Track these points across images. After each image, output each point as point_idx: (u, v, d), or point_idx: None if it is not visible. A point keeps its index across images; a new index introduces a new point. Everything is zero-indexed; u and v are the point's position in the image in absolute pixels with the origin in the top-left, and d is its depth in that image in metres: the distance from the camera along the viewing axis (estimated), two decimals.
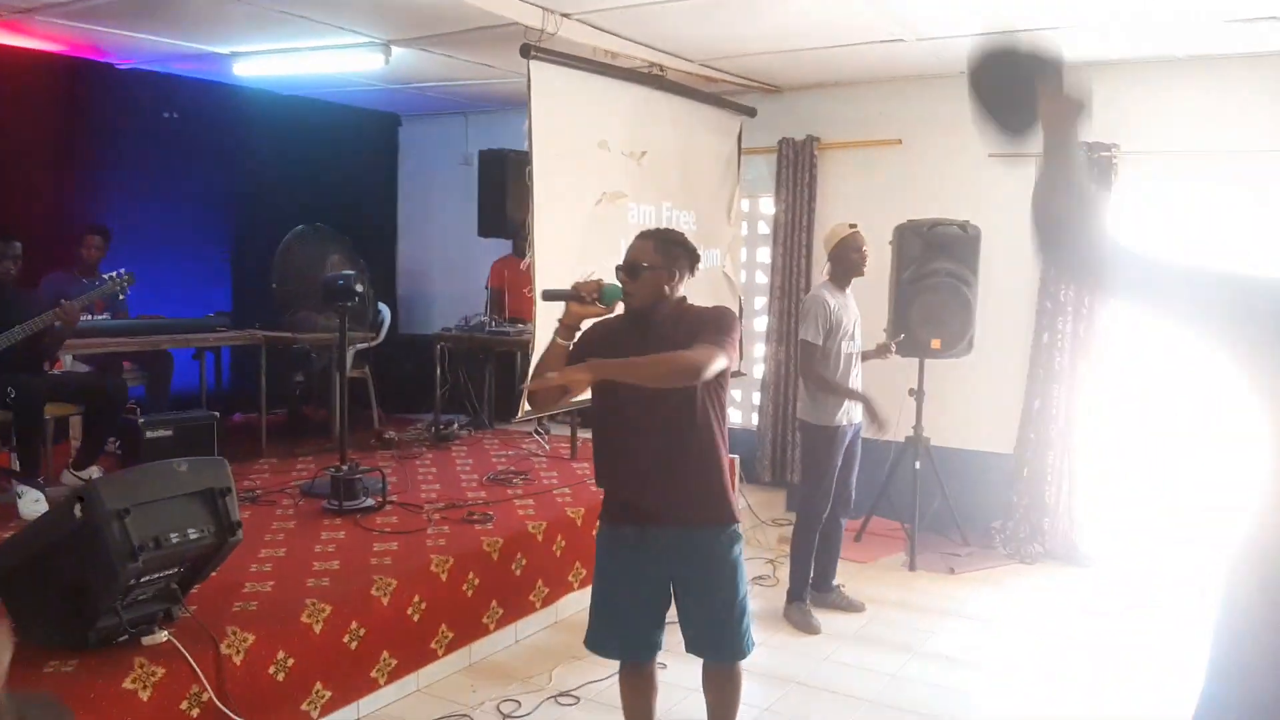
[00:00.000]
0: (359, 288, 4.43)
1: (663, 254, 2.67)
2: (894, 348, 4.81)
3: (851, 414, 4.35)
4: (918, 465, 5.28)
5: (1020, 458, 5.59)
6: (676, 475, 2.61)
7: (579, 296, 2.63)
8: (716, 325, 2.58)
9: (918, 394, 5.30)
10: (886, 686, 3.72)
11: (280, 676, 3.03)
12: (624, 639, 2.76)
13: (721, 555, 2.66)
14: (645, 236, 2.73)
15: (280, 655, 3.03)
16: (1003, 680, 3.82)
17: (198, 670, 2.77)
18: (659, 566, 2.68)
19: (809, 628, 4.27)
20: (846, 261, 4.40)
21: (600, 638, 2.77)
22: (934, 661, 3.97)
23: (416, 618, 3.52)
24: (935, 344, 5.14)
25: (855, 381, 4.37)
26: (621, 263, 2.68)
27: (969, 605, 4.63)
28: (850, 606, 4.53)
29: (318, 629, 3.16)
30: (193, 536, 2.86)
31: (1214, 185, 5.15)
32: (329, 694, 3.18)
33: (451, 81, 6.34)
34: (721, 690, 2.80)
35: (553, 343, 2.68)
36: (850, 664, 3.93)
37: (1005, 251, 5.44)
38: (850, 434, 4.38)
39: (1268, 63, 4.87)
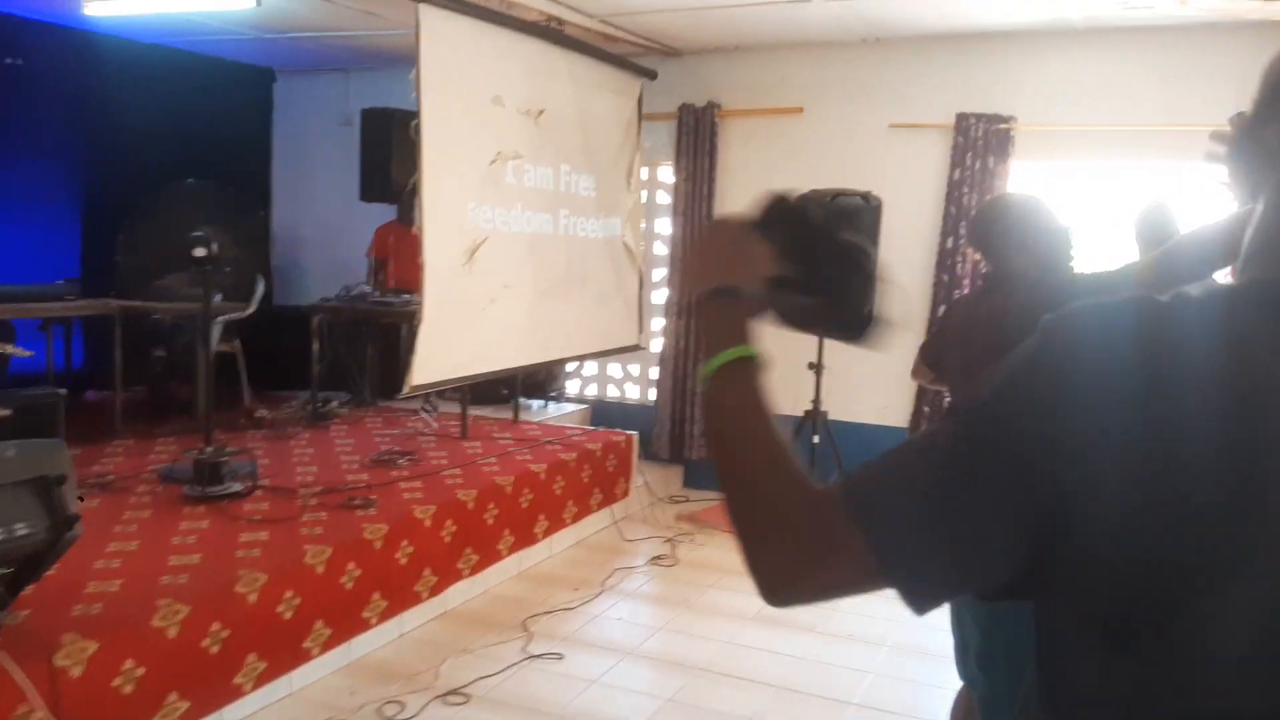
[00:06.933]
0: (200, 251, 3.97)
1: None
2: None
3: None
4: (815, 439, 5.20)
5: (914, 430, 5.58)
6: None
7: None
8: None
9: (817, 367, 5.21)
10: (792, 669, 3.61)
11: (128, 689, 2.68)
12: None
13: None
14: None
15: (128, 665, 2.68)
16: (909, 657, 3.75)
17: (27, 687, 2.41)
18: None
19: None
20: None
21: None
22: (837, 641, 3.87)
23: (288, 615, 3.21)
24: None
25: None
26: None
27: None
28: None
29: (172, 633, 2.82)
30: (20, 533, 2.49)
31: (1108, 161, 5.19)
32: (186, 705, 2.84)
33: (331, 32, 5.89)
34: None
35: None
36: (753, 646, 3.80)
37: (904, 222, 5.40)
38: None
39: (1161, 35, 4.91)
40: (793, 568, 0.82)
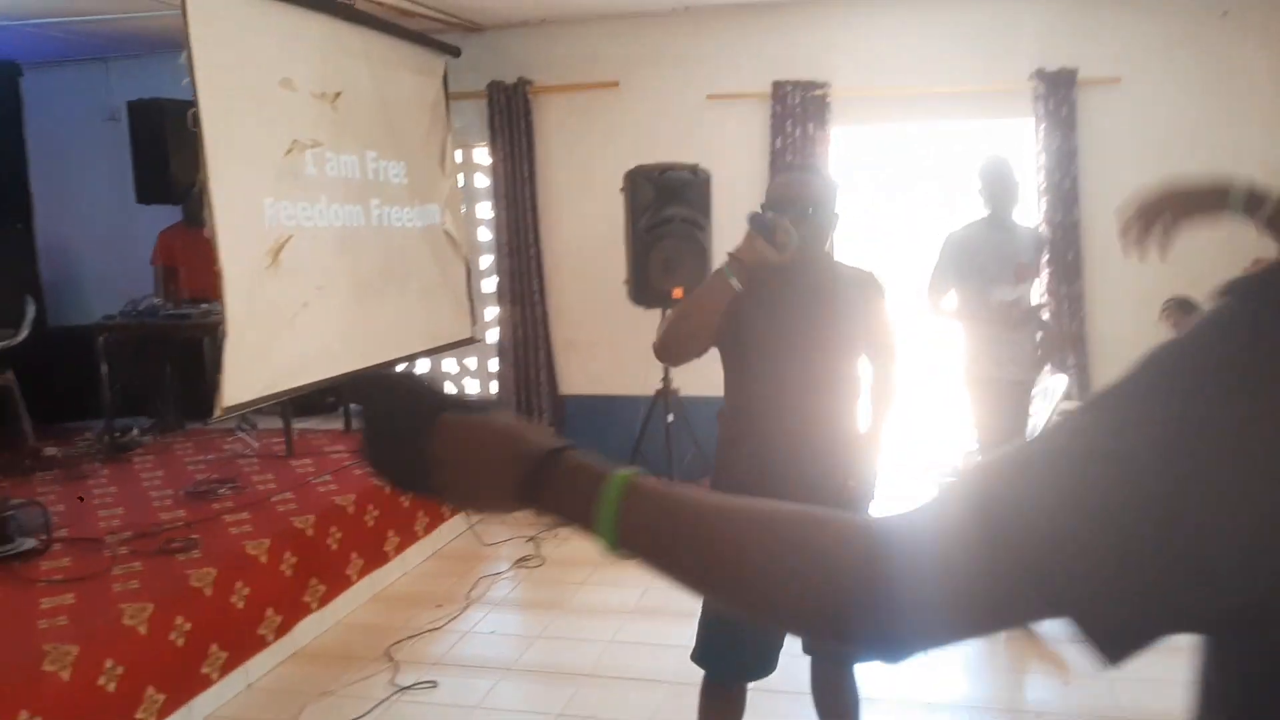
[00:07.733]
0: None
1: (829, 194, 2.36)
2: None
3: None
4: (670, 418, 5.09)
5: None
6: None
7: (773, 238, 2.21)
8: (887, 314, 2.41)
9: None
10: (682, 660, 3.46)
11: None
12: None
13: None
14: (806, 171, 2.49)
15: None
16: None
17: None
18: None
19: None
20: None
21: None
22: None
23: (112, 686, 2.76)
24: (677, 293, 4.94)
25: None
26: (779, 200, 2.30)
27: None
28: None
29: None
30: None
31: (923, 123, 5.33)
32: None
33: (82, 17, 5.19)
34: None
35: (719, 281, 2.27)
36: (639, 642, 3.64)
37: (732, 194, 5.35)
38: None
39: (968, 4, 5.07)
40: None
